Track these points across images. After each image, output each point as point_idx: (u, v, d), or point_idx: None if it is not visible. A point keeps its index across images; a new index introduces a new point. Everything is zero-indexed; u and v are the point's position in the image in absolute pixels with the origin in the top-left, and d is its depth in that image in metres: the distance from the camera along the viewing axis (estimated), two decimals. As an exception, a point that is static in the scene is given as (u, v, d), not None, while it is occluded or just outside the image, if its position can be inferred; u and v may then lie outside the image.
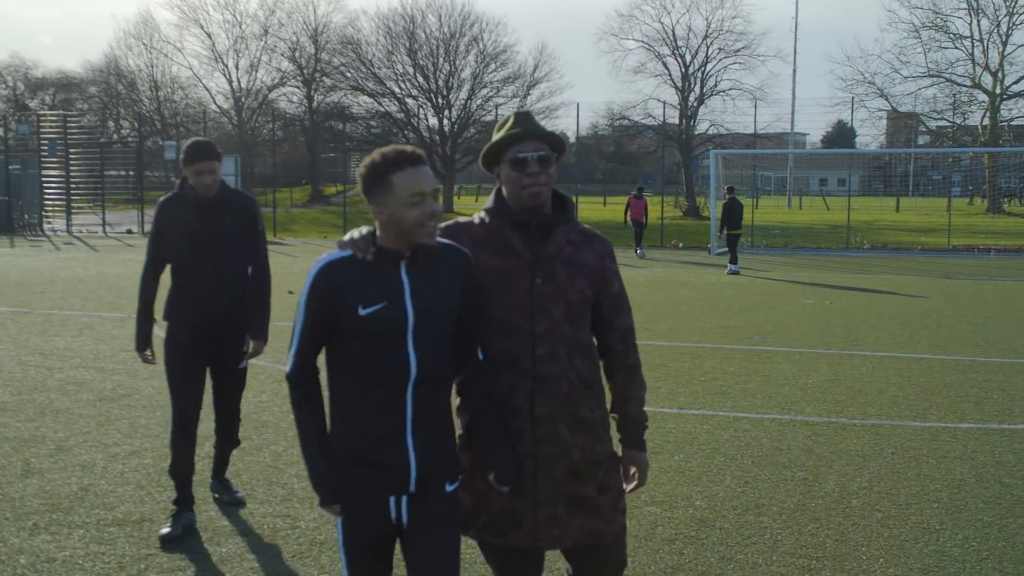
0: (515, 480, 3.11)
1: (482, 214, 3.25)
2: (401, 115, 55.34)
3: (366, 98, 55.50)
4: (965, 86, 51.09)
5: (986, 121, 50.15)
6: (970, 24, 50.95)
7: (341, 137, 55.23)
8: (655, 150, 57.65)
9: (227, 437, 5.84)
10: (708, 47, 54.19)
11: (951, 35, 51.19)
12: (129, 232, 36.82)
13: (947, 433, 7.57)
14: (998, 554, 5.14)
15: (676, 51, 54.70)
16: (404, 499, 2.96)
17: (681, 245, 32.50)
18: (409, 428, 2.91)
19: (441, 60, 55.27)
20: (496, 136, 3.17)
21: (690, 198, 50.71)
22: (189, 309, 5.35)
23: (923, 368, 10.32)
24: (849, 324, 13.69)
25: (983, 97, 50.44)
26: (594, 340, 3.30)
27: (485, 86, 56.11)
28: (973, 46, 50.91)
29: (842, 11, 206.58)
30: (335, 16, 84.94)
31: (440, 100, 55.30)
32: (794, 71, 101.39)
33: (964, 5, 51.30)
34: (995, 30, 50.14)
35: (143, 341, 5.43)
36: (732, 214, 22.50)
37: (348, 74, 55.12)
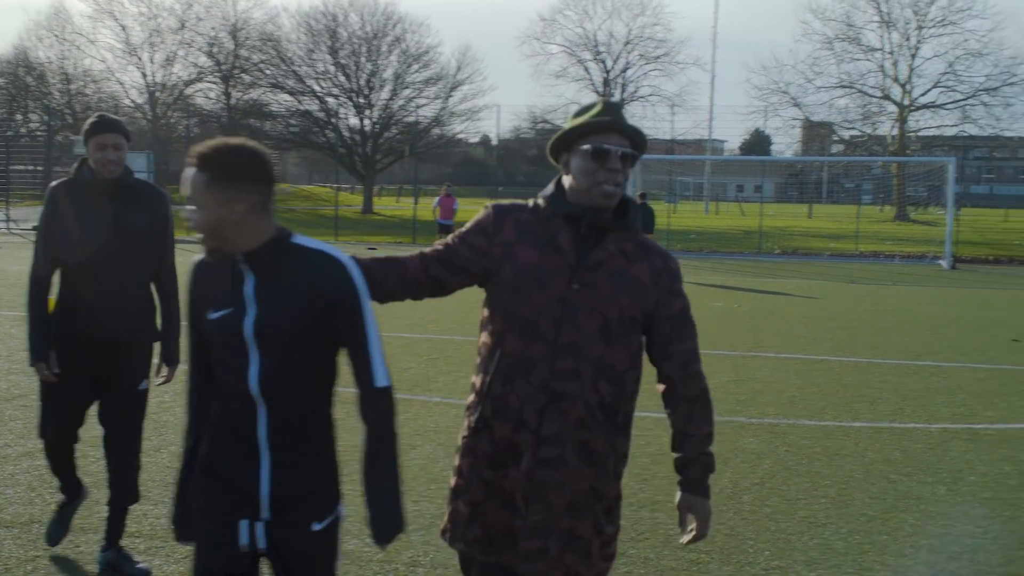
0: (387, 539, 2.68)
1: (539, 200, 2.91)
2: (322, 114, 54.92)
3: (286, 96, 55.01)
4: (876, 97, 52.43)
5: (895, 131, 51.51)
6: (881, 37, 52.50)
7: (260, 135, 54.55)
8: (575, 154, 57.85)
9: (121, 486, 4.67)
10: (629, 53, 55.03)
11: (863, 47, 52.48)
12: (35, 229, 35.86)
13: (840, 432, 7.79)
14: (880, 547, 5.32)
15: (598, 56, 55.42)
16: (260, 525, 2.70)
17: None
18: (263, 449, 2.67)
19: (363, 59, 55.07)
20: (576, 121, 2.85)
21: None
22: (77, 320, 4.46)
23: (822, 369, 10.59)
24: (755, 327, 13.97)
25: (892, 108, 51.81)
26: (632, 367, 2.88)
27: (407, 87, 56.05)
28: (884, 58, 52.31)
29: (759, 22, 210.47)
30: (255, 12, 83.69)
31: (361, 100, 55.05)
32: (712, 79, 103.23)
33: (876, 18, 52.68)
34: (905, 43, 51.52)
35: (39, 352, 4.48)
36: (644, 219, 22.82)
37: (268, 71, 54.55)
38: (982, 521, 5.78)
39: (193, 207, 2.61)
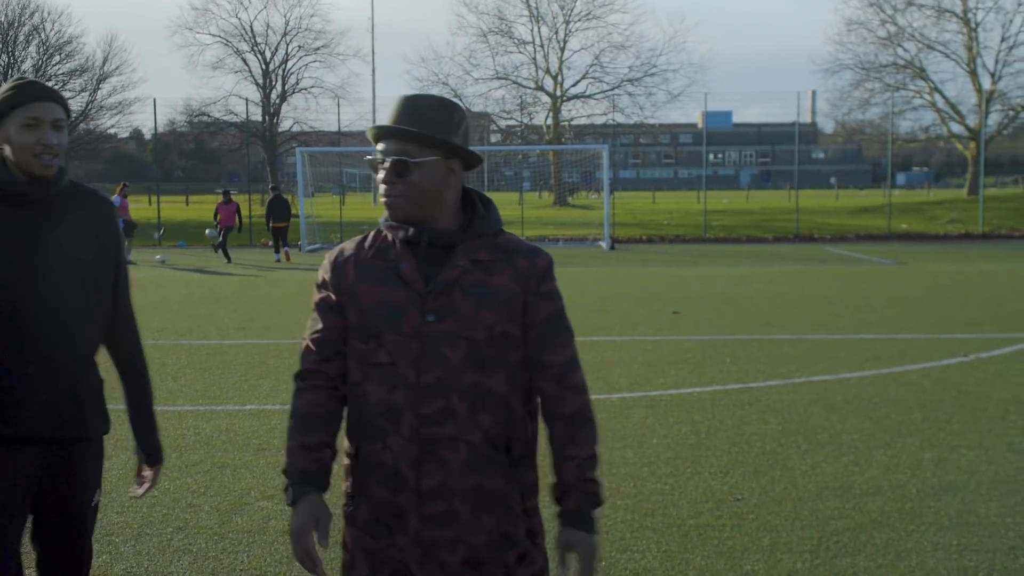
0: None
1: (378, 228, 2.56)
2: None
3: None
4: (530, 88, 54.85)
5: (550, 121, 54.16)
6: (532, 31, 54.82)
7: None
8: (239, 147, 56.44)
9: None
10: (288, 44, 54.15)
11: (516, 40, 54.72)
12: None
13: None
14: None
15: (255, 47, 54.17)
16: None
17: (270, 243, 32.05)
18: None
19: (-1, 51, 50.64)
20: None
21: (275, 195, 50.21)
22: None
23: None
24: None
25: (546, 99, 54.44)
26: (516, 388, 2.52)
27: (50, 79, 52.14)
28: (535, 51, 54.80)
29: (417, 14, 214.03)
30: None
31: (-5, 93, 50.63)
32: (373, 70, 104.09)
33: (526, 12, 55.05)
34: (554, 36, 54.27)
35: None
36: (277, 209, 25.57)
37: None
38: (668, 479, 6.15)
39: None
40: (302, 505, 2.46)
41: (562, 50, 53.99)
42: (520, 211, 38.84)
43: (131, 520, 5.45)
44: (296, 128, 54.08)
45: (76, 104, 51.42)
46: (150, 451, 3.19)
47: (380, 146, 2.46)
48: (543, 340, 2.50)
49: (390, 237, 2.50)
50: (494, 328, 2.44)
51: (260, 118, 53.09)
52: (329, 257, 2.59)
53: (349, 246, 2.58)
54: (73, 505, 3.02)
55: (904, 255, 26.19)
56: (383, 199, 2.45)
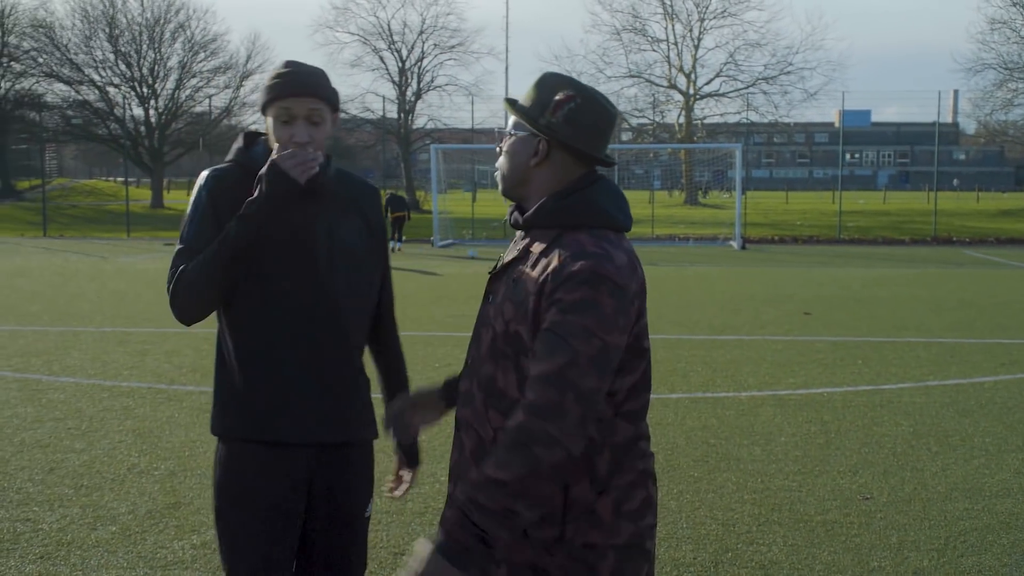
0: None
1: None
2: (102, 104, 52.49)
3: (62, 85, 52.25)
4: (662, 86, 54.54)
5: (682, 119, 53.78)
6: (666, 28, 54.43)
7: (34, 127, 51.51)
8: (374, 144, 57.74)
9: None
10: (424, 43, 55.03)
11: (649, 38, 54.45)
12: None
13: (660, 403, 8.18)
14: (708, 503, 5.67)
15: (392, 46, 55.16)
16: None
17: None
18: None
19: (145, 47, 52.96)
20: None
21: (410, 192, 51.23)
22: (272, 413, 2.75)
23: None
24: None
25: (679, 97, 54.07)
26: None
27: (194, 76, 54.34)
28: (669, 49, 54.48)
29: (551, 12, 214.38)
30: (26, -2, 78.95)
31: (145, 89, 52.94)
32: (506, 68, 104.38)
33: (660, 10, 54.77)
34: (688, 34, 53.84)
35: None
36: (394, 203, 27.80)
37: (40, 59, 51.64)
38: (796, 476, 6.23)
39: None
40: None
41: (696, 48, 53.56)
42: (651, 209, 38.72)
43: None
44: (430, 125, 55.02)
45: (219, 101, 53.45)
46: (409, 453, 3.09)
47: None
48: (538, 346, 2.17)
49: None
50: (509, 324, 2.27)
51: (395, 115, 54.16)
52: None
53: None
54: (343, 512, 2.88)
55: (1050, 260, 25.24)
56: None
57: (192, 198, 2.77)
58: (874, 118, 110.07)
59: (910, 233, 34.94)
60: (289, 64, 2.73)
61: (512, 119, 2.38)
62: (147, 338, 11.55)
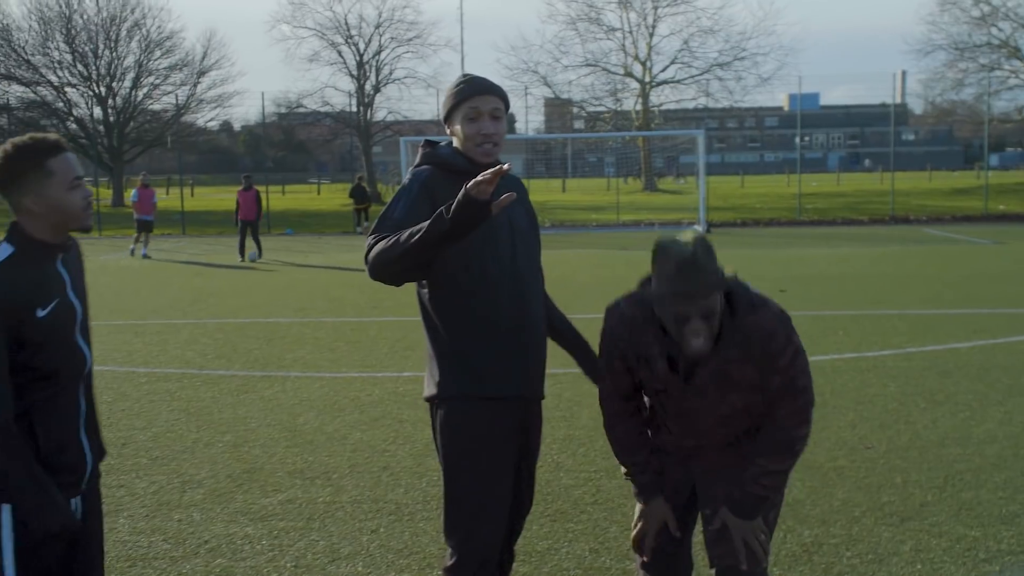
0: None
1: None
2: (61, 104, 52.25)
3: (19, 87, 51.87)
4: (619, 75, 55.24)
5: (639, 106, 54.55)
6: (621, 17, 55.19)
7: (-6, 129, 51.01)
8: (332, 138, 57.98)
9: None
10: (381, 36, 55.23)
11: (604, 27, 55.08)
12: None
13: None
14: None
15: (350, 40, 55.31)
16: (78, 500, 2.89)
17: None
18: (82, 426, 2.88)
19: (101, 47, 52.74)
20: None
21: (371, 184, 51.54)
22: (500, 368, 3.26)
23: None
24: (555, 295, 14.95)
25: (635, 85, 54.82)
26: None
27: (151, 74, 54.19)
28: (624, 37, 55.18)
29: (505, 2, 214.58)
30: (-24, -1, 77.99)
31: (103, 89, 52.75)
32: (462, 60, 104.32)
33: (614, -1, 55.42)
34: (643, 23, 54.56)
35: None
36: (357, 194, 30.36)
37: (-5, 62, 51.21)
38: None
39: None
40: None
41: (651, 36, 54.30)
42: (615, 196, 39.42)
43: (341, 462, 6.38)
44: (390, 118, 55.33)
45: (175, 99, 53.35)
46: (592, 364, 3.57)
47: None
48: None
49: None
50: None
51: (354, 109, 54.42)
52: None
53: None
54: (532, 460, 3.43)
55: (1003, 235, 26.27)
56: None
57: (402, 187, 3.23)
58: (822, 101, 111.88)
59: (868, 213, 35.93)
60: (467, 74, 3.26)
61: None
62: (160, 329, 12.00)
